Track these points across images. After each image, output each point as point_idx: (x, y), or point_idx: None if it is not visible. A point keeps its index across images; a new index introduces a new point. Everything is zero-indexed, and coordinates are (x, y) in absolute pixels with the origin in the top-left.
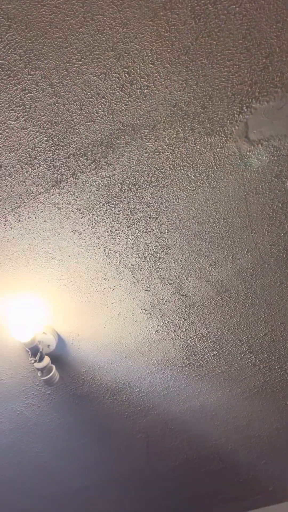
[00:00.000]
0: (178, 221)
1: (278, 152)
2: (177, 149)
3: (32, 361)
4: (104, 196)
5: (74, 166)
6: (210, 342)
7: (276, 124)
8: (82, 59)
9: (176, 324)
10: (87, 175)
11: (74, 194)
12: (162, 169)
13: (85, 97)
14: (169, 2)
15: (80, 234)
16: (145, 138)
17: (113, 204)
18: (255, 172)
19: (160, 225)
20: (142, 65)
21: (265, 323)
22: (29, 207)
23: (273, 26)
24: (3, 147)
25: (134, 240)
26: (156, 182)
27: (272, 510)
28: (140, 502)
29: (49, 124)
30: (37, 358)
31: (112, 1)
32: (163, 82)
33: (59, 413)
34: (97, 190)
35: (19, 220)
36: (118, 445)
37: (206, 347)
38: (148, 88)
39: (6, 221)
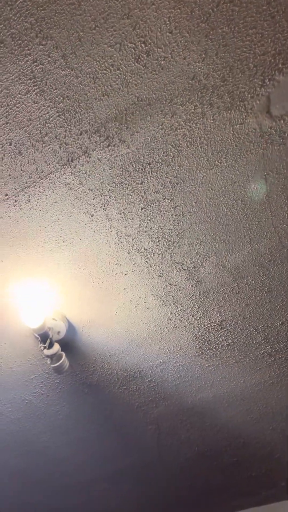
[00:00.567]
0: (194, 203)
1: None
2: (194, 125)
3: (42, 348)
4: (117, 176)
5: (86, 143)
6: (225, 331)
7: None
8: (96, 28)
9: (189, 312)
10: (100, 153)
11: (86, 173)
12: (178, 146)
13: (99, 69)
14: None
15: (92, 216)
16: (161, 114)
17: (126, 184)
18: (276, 150)
19: (175, 207)
20: (159, 34)
21: (283, 311)
22: (39, 187)
23: None
24: (13, 123)
25: (147, 223)
26: (172, 160)
27: (285, 505)
28: (151, 494)
29: (61, 98)
30: (46, 344)
31: None
32: (181, 53)
33: (68, 403)
34: (110, 169)
35: (29, 201)
36: (128, 437)
37: (220, 336)
38: (165, 59)
39: (16, 201)
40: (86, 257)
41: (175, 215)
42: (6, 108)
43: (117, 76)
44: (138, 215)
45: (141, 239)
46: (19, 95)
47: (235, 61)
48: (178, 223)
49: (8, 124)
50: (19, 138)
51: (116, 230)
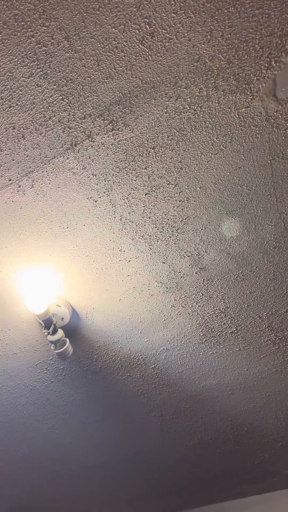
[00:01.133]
0: (198, 188)
1: None
2: (199, 108)
3: (45, 334)
4: (121, 161)
5: (90, 127)
6: (229, 318)
7: None
8: (100, 8)
9: (193, 299)
10: (104, 137)
11: (89, 158)
12: (183, 130)
13: (103, 51)
14: None
15: (96, 201)
16: (165, 97)
17: (130, 169)
18: (282, 135)
19: (179, 192)
20: (164, 14)
21: (287, 299)
22: (43, 172)
23: None
24: (17, 106)
25: (151, 209)
26: (176, 145)
27: None
28: (153, 481)
29: (65, 81)
30: (50, 330)
31: None
32: (186, 34)
33: (72, 389)
34: (113, 154)
35: (32, 186)
36: (132, 423)
37: (224, 323)
38: (170, 40)
39: (19, 186)
40: (89, 243)
41: (179, 201)
42: (10, 91)
43: (121, 59)
44: (142, 201)
45: (145, 225)
46: (23, 78)
47: (241, 42)
48: (182, 209)
49: (12, 108)
50: (23, 122)
51: (120, 216)
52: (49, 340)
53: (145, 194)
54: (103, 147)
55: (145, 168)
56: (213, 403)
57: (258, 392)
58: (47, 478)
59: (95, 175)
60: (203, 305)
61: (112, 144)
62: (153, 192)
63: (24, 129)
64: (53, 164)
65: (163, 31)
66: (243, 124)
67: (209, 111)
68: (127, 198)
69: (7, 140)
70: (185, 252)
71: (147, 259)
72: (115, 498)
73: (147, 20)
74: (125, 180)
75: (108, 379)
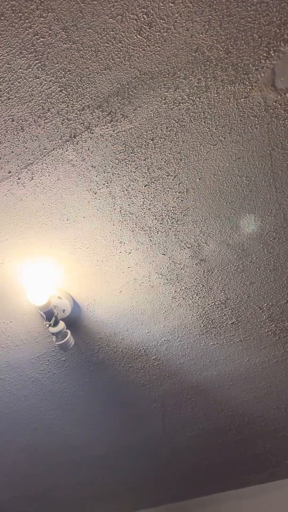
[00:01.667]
0: (197, 180)
1: None
2: (198, 99)
3: (47, 325)
4: (120, 152)
5: (88, 119)
6: (229, 309)
7: None
8: None
9: (193, 290)
10: (102, 128)
11: (88, 150)
12: (181, 121)
13: (101, 42)
14: None
15: (95, 193)
16: (164, 87)
17: (129, 160)
18: (281, 125)
19: (179, 184)
20: (161, 4)
21: (287, 290)
22: (42, 164)
23: None
24: (15, 98)
25: (151, 201)
26: (175, 136)
27: None
28: (155, 471)
29: (63, 72)
30: (51, 322)
31: None
32: (184, 24)
33: (74, 380)
34: (112, 145)
35: (32, 178)
36: (134, 414)
37: (225, 314)
38: (168, 30)
39: (19, 179)
40: (90, 235)
41: (178, 192)
42: (8, 83)
43: (119, 49)
44: (141, 192)
45: (144, 217)
46: (21, 70)
47: (239, 32)
48: (182, 200)
49: (10, 100)
50: (21, 114)
51: (119, 208)
52: (51, 332)
53: (145, 186)
54: (102, 139)
55: (144, 160)
56: (214, 393)
57: (259, 382)
58: (50, 468)
59: (95, 167)
60: (204, 296)
61: (111, 136)
62: (152, 183)
63: (23, 121)
64: (52, 156)
65: (161, 21)
66: (242, 114)
67: (207, 102)
68: (126, 190)
69: (6, 132)
70: (185, 243)
71: (147, 251)
72: (117, 488)
73: (145, 10)
74: (124, 172)
75: (110, 370)
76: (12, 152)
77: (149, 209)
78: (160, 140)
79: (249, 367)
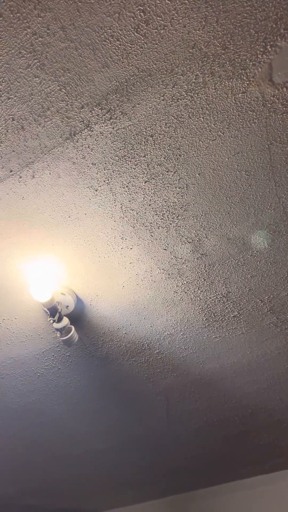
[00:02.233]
0: (197, 175)
1: None
2: (196, 95)
3: (51, 321)
4: (120, 149)
5: (88, 116)
6: (231, 302)
7: None
8: None
9: (195, 284)
10: (102, 126)
11: (88, 147)
12: (180, 117)
13: (99, 41)
14: None
15: (96, 190)
16: (162, 84)
17: (129, 157)
18: (279, 119)
19: (179, 179)
20: (158, 1)
21: None
22: (43, 162)
23: None
24: (15, 98)
25: (151, 197)
26: (174, 132)
27: None
28: (160, 463)
29: (62, 71)
30: (55, 318)
31: None
32: (180, 21)
33: (79, 375)
34: (112, 142)
35: (33, 177)
36: (138, 407)
37: (226, 308)
38: (165, 28)
39: (20, 177)
40: (91, 231)
41: (178, 188)
42: (8, 83)
43: (116, 47)
44: (141, 189)
45: (145, 212)
46: (20, 69)
47: (236, 27)
48: (182, 196)
49: (10, 100)
50: (22, 113)
51: (120, 204)
52: (55, 328)
53: (145, 182)
54: (102, 136)
55: (144, 156)
56: (218, 386)
57: (261, 374)
58: (56, 462)
59: (95, 164)
60: (205, 290)
61: (110, 133)
62: (152, 179)
63: (23, 120)
64: (53, 154)
65: (158, 18)
66: (240, 109)
67: (206, 98)
68: (127, 186)
69: (7, 131)
70: (186, 238)
71: (149, 246)
72: (121, 480)
73: (142, 8)
74: (124, 169)
75: (114, 365)
76: (13, 151)
77: (149, 205)
78: (159, 137)
79: (252, 359)
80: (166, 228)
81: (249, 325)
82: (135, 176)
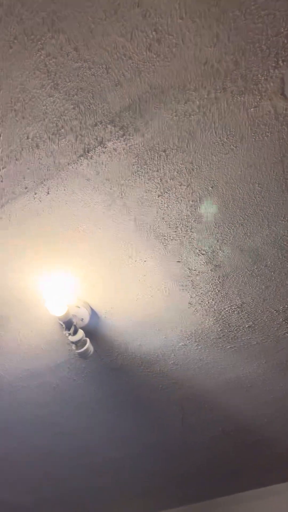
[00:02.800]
0: (210, 188)
1: None
2: (208, 110)
3: (67, 335)
4: (133, 165)
5: (101, 134)
6: (245, 313)
7: None
8: (107, 19)
9: (209, 296)
10: (115, 143)
11: (102, 163)
12: (193, 133)
13: (111, 60)
14: None
15: (110, 205)
16: (174, 100)
17: (142, 172)
18: None
19: (192, 192)
20: (170, 21)
21: None
22: (57, 179)
23: None
24: (30, 117)
25: (165, 210)
26: (187, 147)
27: None
28: (176, 473)
29: (75, 90)
30: (71, 331)
31: None
32: (192, 39)
33: (94, 386)
34: (125, 158)
35: (48, 193)
36: (153, 417)
37: (241, 318)
38: (177, 46)
39: (35, 194)
40: (105, 245)
41: (192, 201)
42: (22, 103)
43: (129, 66)
44: (155, 202)
45: (159, 225)
46: (34, 90)
47: (247, 43)
48: (195, 209)
49: (25, 119)
50: (36, 131)
51: (134, 218)
52: (71, 341)
53: (158, 196)
54: (115, 153)
55: (157, 171)
56: (233, 395)
57: (277, 384)
58: (71, 472)
59: (108, 180)
60: (219, 301)
61: (123, 149)
62: (165, 193)
63: (38, 139)
64: (67, 171)
65: (170, 36)
66: (252, 123)
67: (218, 113)
68: (140, 201)
69: (22, 150)
70: (199, 250)
71: (162, 259)
72: (136, 489)
73: (154, 27)
74: (137, 183)
75: (129, 376)
76: (28, 168)
77: (163, 218)
78: (172, 152)
79: (267, 369)
80: (179, 240)
81: (264, 335)
82: (148, 190)
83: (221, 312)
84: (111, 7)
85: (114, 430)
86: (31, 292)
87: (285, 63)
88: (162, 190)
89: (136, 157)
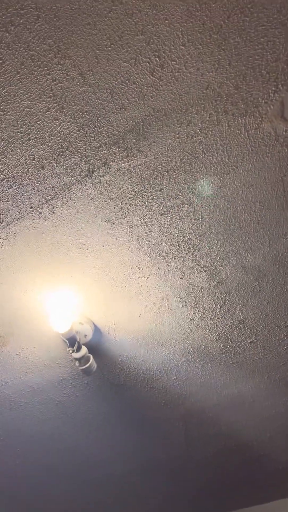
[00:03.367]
0: (212, 207)
1: None
2: (210, 132)
3: (70, 351)
4: (137, 184)
5: (106, 155)
6: (247, 329)
7: None
8: (112, 45)
9: (212, 312)
10: (119, 163)
11: (106, 183)
12: (195, 153)
13: (116, 84)
14: None
15: (113, 224)
16: (177, 123)
17: (145, 192)
18: None
19: (194, 211)
20: (172, 47)
21: None
22: (62, 198)
23: None
24: (35, 139)
25: (167, 228)
26: (189, 167)
27: None
28: (179, 488)
29: (80, 113)
30: (74, 348)
31: None
32: (194, 64)
33: (97, 402)
34: (129, 178)
35: (53, 212)
36: (156, 433)
37: (243, 334)
38: (179, 71)
39: (40, 213)
40: (109, 262)
41: (194, 219)
42: (28, 126)
43: (133, 90)
44: (158, 221)
45: (161, 243)
46: (40, 113)
47: (248, 69)
48: (197, 227)
49: (31, 141)
50: (42, 153)
51: (137, 236)
52: (74, 357)
53: (161, 215)
54: (119, 173)
55: (160, 190)
56: (236, 411)
57: (279, 398)
58: (75, 487)
59: (112, 199)
60: (222, 317)
61: (127, 170)
62: (168, 212)
63: (43, 160)
64: (72, 191)
65: (173, 62)
66: (253, 144)
67: (219, 134)
68: (143, 219)
69: (27, 170)
70: (202, 267)
71: (165, 276)
72: (140, 504)
73: (157, 53)
74: (141, 202)
75: (132, 391)
76: (33, 188)
77: (165, 236)
78: (175, 172)
79: (269, 383)
80: (182, 257)
81: (266, 350)
82: (151, 209)
83: (223, 327)
84: (115, 34)
85: (116, 445)
86: (35, 308)
87: (284, 87)
88: (165, 209)
89: (139, 177)
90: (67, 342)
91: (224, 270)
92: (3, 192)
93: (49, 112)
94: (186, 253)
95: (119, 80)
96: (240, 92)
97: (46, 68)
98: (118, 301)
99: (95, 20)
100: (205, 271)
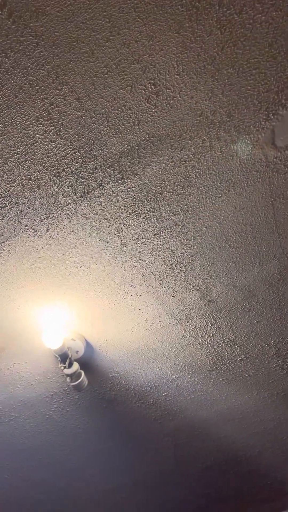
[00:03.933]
0: (204, 228)
1: None
2: (203, 157)
3: (62, 368)
4: (131, 206)
5: (101, 177)
6: (238, 346)
7: None
8: (109, 73)
9: (203, 329)
10: (114, 185)
11: (101, 204)
12: (188, 177)
13: (112, 109)
14: (194, 13)
15: (107, 242)
16: (171, 148)
17: (139, 213)
18: (282, 178)
19: (186, 232)
20: (168, 76)
21: None
22: (57, 217)
23: None
24: (32, 160)
25: (160, 248)
26: (182, 190)
27: None
28: (169, 503)
29: (77, 136)
30: (66, 364)
31: (138, 15)
32: (188, 92)
33: (88, 417)
34: (123, 199)
35: (47, 231)
36: (146, 448)
37: (233, 351)
38: (174, 98)
39: (35, 231)
40: (102, 280)
41: (186, 240)
42: (25, 147)
43: (128, 115)
44: (151, 241)
45: (154, 262)
46: (37, 135)
47: (240, 98)
48: (189, 247)
49: (27, 162)
50: (38, 173)
51: (130, 255)
52: (65, 374)
53: (154, 235)
54: (114, 194)
55: (153, 212)
56: (225, 426)
57: (268, 415)
58: (65, 502)
59: (107, 219)
60: (213, 335)
61: (122, 191)
62: (161, 232)
63: (39, 180)
64: (67, 211)
65: (168, 90)
66: (244, 169)
67: (212, 159)
68: (137, 239)
69: (23, 190)
70: (193, 286)
71: (157, 294)
72: None
73: (152, 81)
74: (134, 223)
75: (122, 407)
76: (29, 207)
77: (158, 255)
78: (168, 194)
79: (258, 400)
80: (174, 276)
81: (255, 367)
82: (144, 229)
83: (214, 345)
84: (112, 62)
85: (107, 460)
86: (28, 324)
87: (275, 116)
88: (158, 230)
89: (133, 198)
90: (59, 358)
91: (215, 289)
92: None
93: (46, 135)
94: (178, 272)
95: (115, 105)
96: (233, 120)
97: (44, 93)
98: (110, 318)
99: (93, 49)
100: (197, 290)
